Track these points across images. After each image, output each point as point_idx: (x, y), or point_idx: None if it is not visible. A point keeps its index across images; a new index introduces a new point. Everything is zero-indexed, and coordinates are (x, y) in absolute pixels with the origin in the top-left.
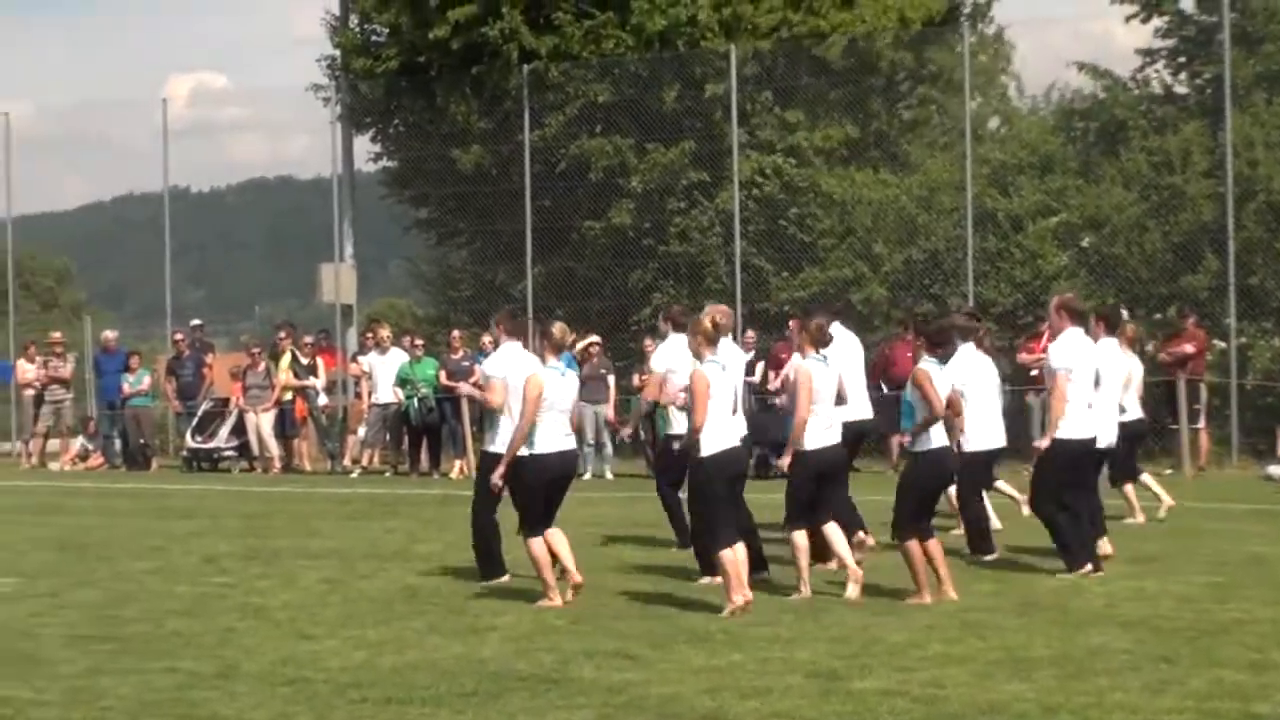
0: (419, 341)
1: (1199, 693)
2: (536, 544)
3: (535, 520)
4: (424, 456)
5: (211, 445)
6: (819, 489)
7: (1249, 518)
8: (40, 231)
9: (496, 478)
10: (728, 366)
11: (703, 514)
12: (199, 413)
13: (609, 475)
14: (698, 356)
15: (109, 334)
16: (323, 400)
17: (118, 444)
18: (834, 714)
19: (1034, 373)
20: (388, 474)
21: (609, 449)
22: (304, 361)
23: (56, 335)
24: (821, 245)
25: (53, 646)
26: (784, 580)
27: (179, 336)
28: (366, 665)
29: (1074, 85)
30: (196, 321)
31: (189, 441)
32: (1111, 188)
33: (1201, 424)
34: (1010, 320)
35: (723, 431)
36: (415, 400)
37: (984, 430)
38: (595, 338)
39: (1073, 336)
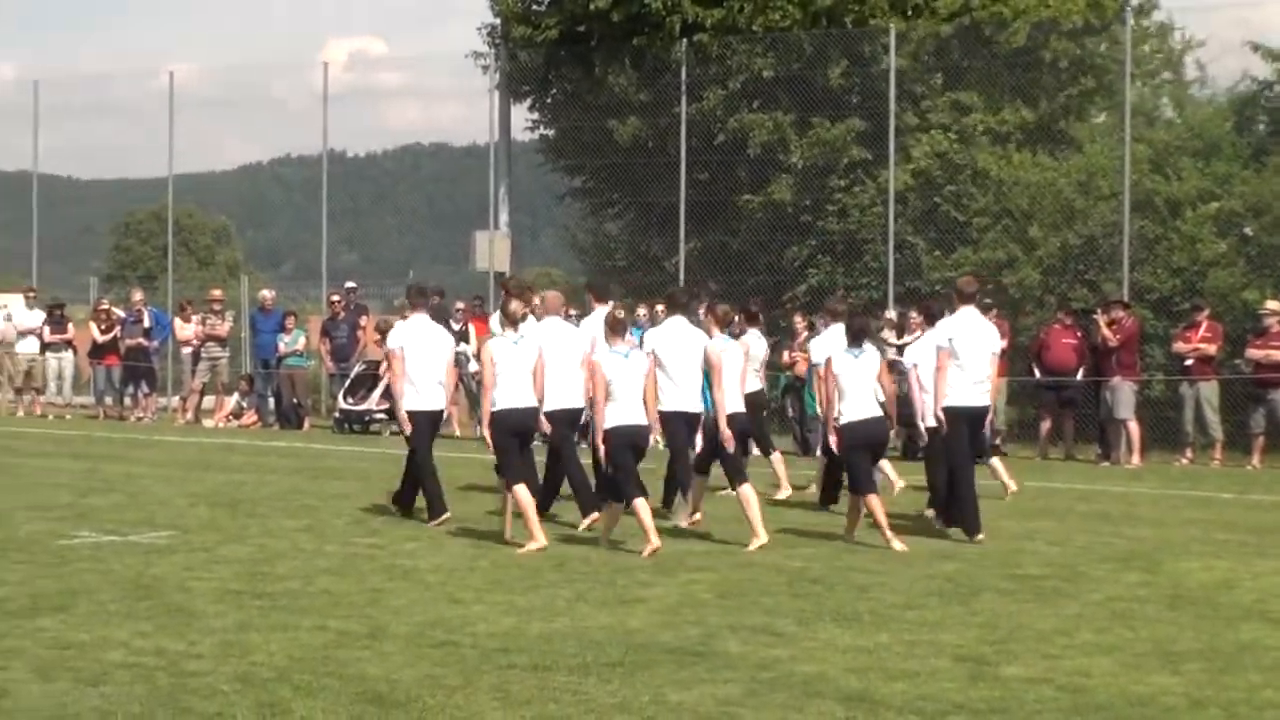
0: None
1: None
2: (519, 491)
3: (512, 468)
4: None
5: (363, 408)
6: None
7: None
8: (199, 191)
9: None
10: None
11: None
12: (351, 375)
13: (754, 451)
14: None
15: (266, 293)
16: (474, 367)
17: (271, 403)
18: (981, 700)
19: (1188, 362)
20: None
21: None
22: (455, 328)
23: (216, 293)
24: (976, 225)
25: (205, 600)
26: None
27: (335, 298)
28: (514, 631)
29: (1248, 71)
30: (351, 284)
31: (341, 403)
32: (1275, 176)
33: None
34: (1166, 307)
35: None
36: None
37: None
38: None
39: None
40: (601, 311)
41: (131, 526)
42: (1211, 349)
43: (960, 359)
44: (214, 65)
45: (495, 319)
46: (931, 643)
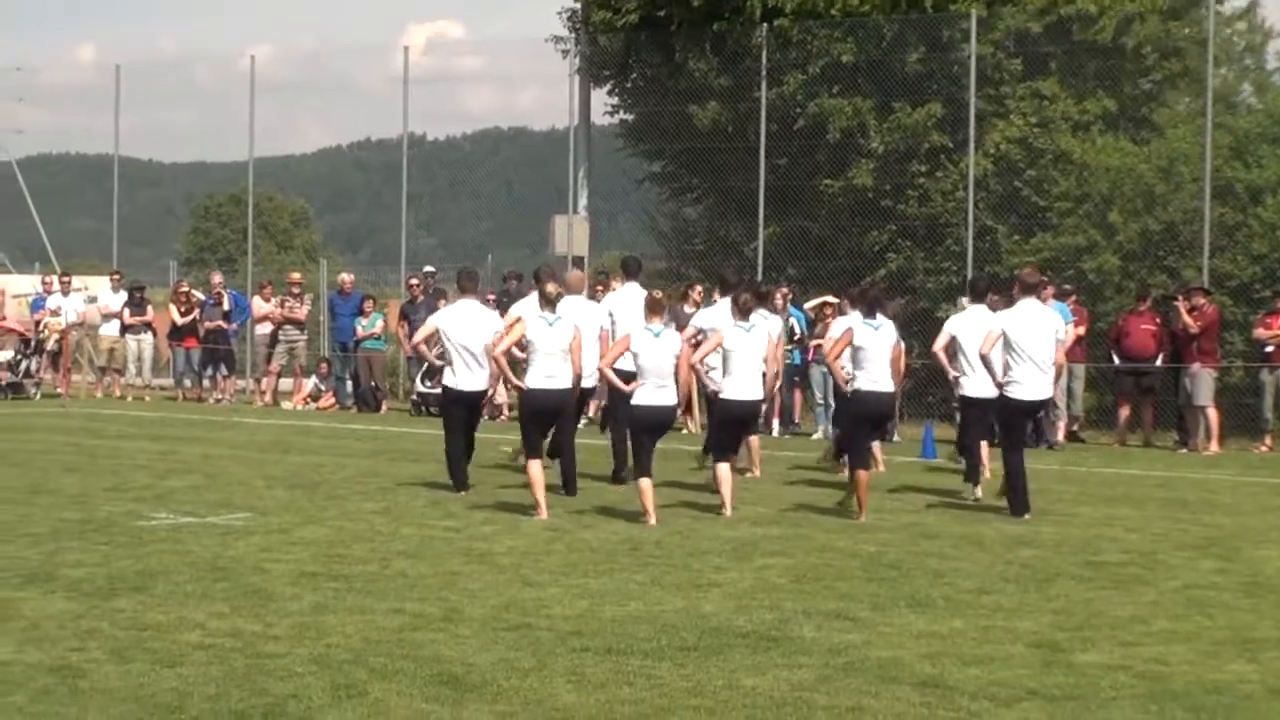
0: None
1: None
2: (533, 466)
3: (532, 445)
4: None
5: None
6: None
7: None
8: (279, 174)
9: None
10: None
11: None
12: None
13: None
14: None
15: (345, 277)
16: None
17: (349, 385)
18: (1056, 686)
19: (1269, 349)
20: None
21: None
22: None
23: (296, 276)
24: (1057, 209)
25: (281, 582)
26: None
27: (413, 282)
28: (588, 614)
29: None
30: (430, 268)
31: (418, 386)
32: None
33: None
34: (1246, 294)
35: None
36: None
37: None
38: (830, 298)
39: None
40: (629, 288)
41: (209, 508)
42: None
43: (1019, 351)
44: (294, 49)
45: (528, 301)
46: (1006, 629)
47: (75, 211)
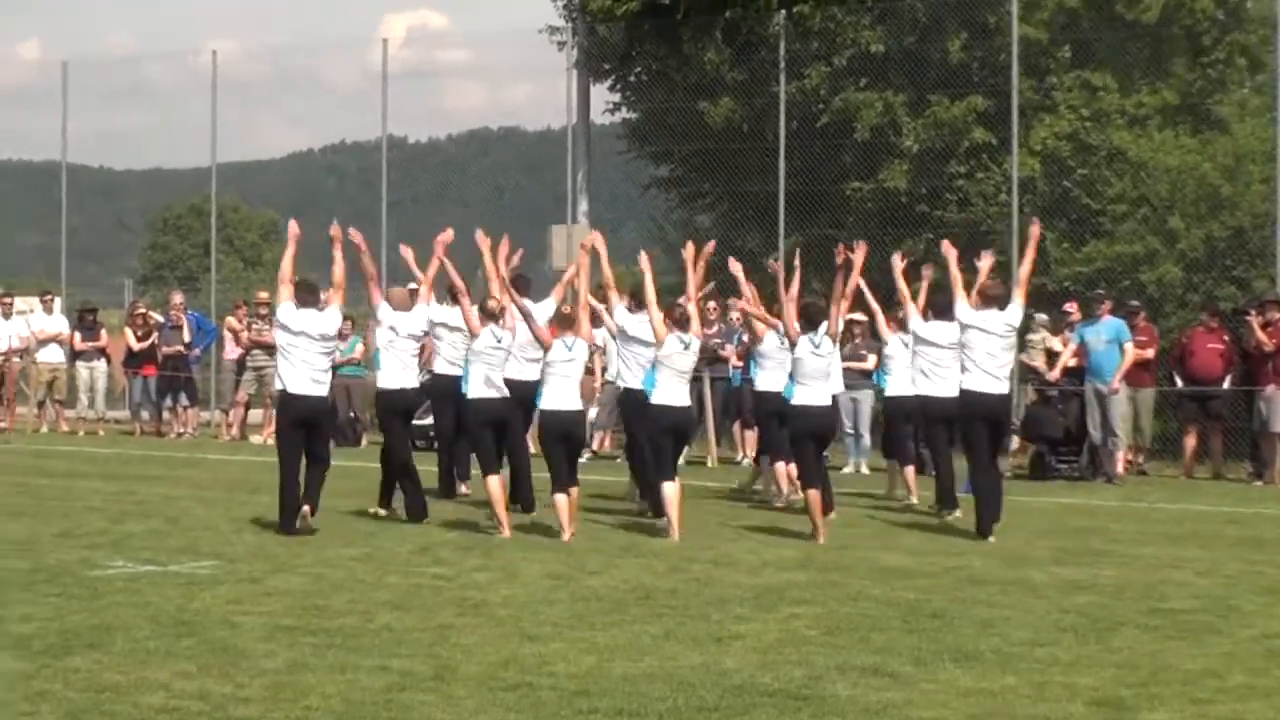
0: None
1: None
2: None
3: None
4: None
5: (426, 422)
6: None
7: None
8: (244, 181)
9: None
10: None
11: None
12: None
13: (864, 470)
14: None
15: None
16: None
17: None
18: None
19: None
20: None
21: (866, 440)
22: None
23: (264, 295)
24: (1111, 213)
25: (253, 638)
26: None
27: None
28: (596, 672)
29: None
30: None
31: None
32: None
33: None
34: None
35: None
36: None
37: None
38: (858, 315)
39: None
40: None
41: (171, 555)
42: None
43: (970, 353)
44: (260, 44)
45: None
46: (1064, 685)
47: (18, 225)
